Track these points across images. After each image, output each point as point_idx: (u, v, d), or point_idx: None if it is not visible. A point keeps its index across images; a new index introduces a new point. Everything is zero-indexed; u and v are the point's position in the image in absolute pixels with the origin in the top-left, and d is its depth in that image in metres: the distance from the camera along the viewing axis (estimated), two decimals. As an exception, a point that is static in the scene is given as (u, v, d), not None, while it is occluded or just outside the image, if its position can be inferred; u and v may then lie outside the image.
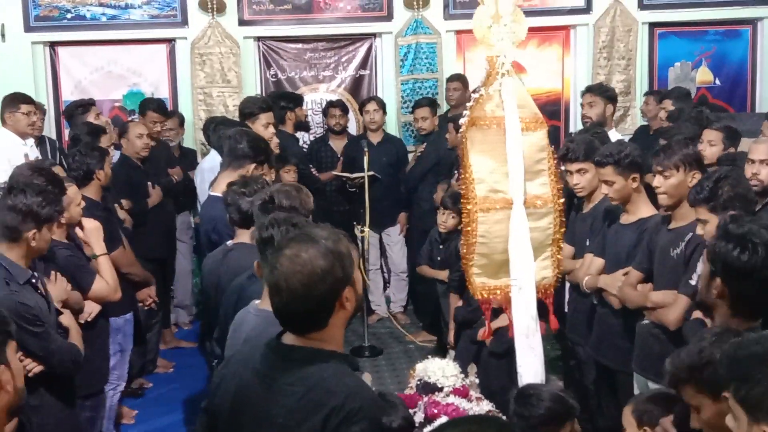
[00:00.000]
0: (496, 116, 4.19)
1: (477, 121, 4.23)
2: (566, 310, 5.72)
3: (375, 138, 8.17)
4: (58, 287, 4.39)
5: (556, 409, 3.57)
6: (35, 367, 3.89)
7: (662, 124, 7.14)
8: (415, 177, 8.05)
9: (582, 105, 7.25)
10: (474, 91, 4.46)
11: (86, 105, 7.17)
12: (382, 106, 8.19)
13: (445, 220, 6.38)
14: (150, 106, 7.67)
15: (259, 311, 3.28)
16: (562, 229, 4.35)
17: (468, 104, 4.34)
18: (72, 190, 4.77)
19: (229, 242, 4.60)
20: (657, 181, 4.47)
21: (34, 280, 3.99)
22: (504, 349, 4.86)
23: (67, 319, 4.24)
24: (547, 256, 4.32)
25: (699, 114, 6.68)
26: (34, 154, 6.86)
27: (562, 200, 4.32)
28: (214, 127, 7.00)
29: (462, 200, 4.32)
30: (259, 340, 2.71)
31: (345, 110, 8.41)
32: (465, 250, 4.28)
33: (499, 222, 4.17)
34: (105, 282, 4.80)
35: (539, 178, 4.24)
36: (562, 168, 5.66)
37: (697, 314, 3.93)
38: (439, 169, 7.83)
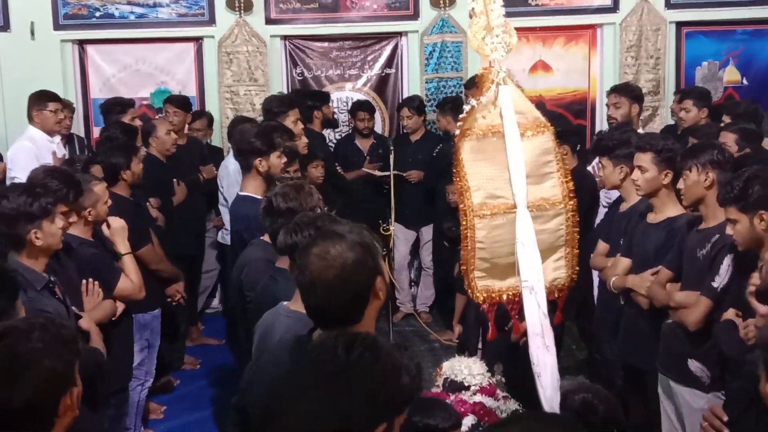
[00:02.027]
0: (493, 124, 4.20)
1: (470, 132, 4.24)
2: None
3: (414, 136, 8.26)
4: (90, 298, 4.42)
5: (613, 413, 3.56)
6: None
7: (683, 124, 7.10)
8: (431, 177, 8.07)
9: (607, 106, 7.22)
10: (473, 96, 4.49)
11: (125, 105, 7.19)
12: (416, 110, 8.19)
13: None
14: (171, 100, 7.77)
15: (290, 312, 3.27)
16: (576, 229, 4.36)
17: (460, 116, 4.37)
18: (99, 188, 4.78)
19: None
20: (680, 182, 4.51)
21: (51, 285, 3.94)
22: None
23: (86, 322, 4.21)
24: (561, 256, 4.31)
25: (755, 111, 6.65)
26: (62, 151, 6.92)
27: (573, 201, 4.32)
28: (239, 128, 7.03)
29: (459, 208, 4.30)
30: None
31: (372, 112, 8.42)
32: (464, 255, 4.29)
33: (500, 227, 4.17)
34: (130, 281, 4.82)
35: (547, 181, 4.25)
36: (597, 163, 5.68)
37: (728, 315, 3.92)
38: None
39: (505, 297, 4.33)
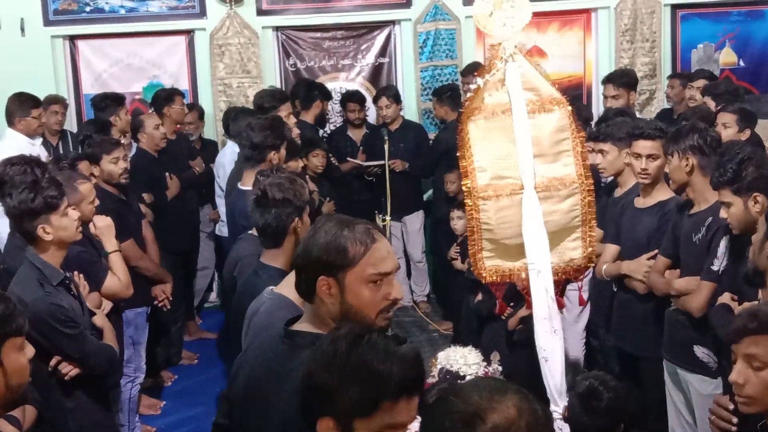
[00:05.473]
0: (501, 103, 4.14)
1: (477, 112, 4.18)
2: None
3: (393, 125, 8.17)
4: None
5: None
6: (72, 370, 3.84)
7: (692, 104, 7.04)
8: (425, 166, 8.01)
9: (605, 97, 7.14)
10: (470, 83, 4.43)
11: (120, 99, 7.14)
12: (394, 99, 8.15)
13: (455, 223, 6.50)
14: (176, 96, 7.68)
15: (272, 294, 3.24)
16: (592, 209, 4.28)
17: (467, 95, 4.31)
18: (85, 187, 4.71)
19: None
20: (666, 166, 4.52)
21: (67, 281, 3.94)
22: (528, 338, 4.81)
23: (100, 319, 4.22)
24: (577, 237, 4.25)
25: (735, 90, 6.61)
26: (44, 154, 6.79)
27: (589, 180, 4.25)
28: (234, 117, 6.97)
29: (463, 190, 4.24)
30: (268, 319, 2.81)
31: (363, 102, 8.33)
32: (470, 236, 4.25)
33: (505, 208, 4.13)
34: (117, 278, 4.79)
35: (561, 159, 4.18)
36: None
37: (724, 299, 3.88)
38: (450, 158, 7.75)
39: (514, 277, 4.30)
